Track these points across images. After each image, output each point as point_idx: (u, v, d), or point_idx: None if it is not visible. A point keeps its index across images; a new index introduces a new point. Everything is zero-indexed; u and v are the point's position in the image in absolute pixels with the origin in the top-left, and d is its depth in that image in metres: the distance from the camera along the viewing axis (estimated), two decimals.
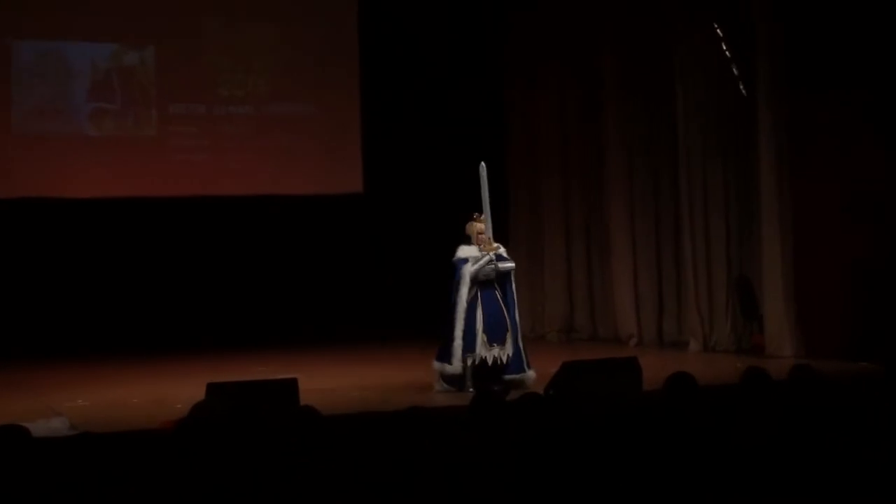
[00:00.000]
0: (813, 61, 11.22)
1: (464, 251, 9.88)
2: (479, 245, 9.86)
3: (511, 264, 9.99)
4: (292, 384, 8.31)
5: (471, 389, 9.27)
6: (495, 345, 9.71)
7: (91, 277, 13.56)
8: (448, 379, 9.66)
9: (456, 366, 9.60)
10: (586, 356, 10.32)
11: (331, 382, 10.42)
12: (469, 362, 9.61)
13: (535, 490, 4.40)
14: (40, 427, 7.78)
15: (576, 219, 14.46)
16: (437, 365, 9.74)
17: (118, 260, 13.68)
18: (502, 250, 9.99)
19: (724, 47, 12.16)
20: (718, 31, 12.21)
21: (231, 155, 14.21)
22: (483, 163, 9.99)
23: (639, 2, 13.24)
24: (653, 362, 9.98)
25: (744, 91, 12.07)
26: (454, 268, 9.87)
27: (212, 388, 8.01)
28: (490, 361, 9.65)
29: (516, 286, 10.11)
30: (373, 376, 11.01)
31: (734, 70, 12.15)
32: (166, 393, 9.90)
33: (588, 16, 13.87)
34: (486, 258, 9.83)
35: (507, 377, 9.66)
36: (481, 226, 9.92)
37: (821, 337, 11.19)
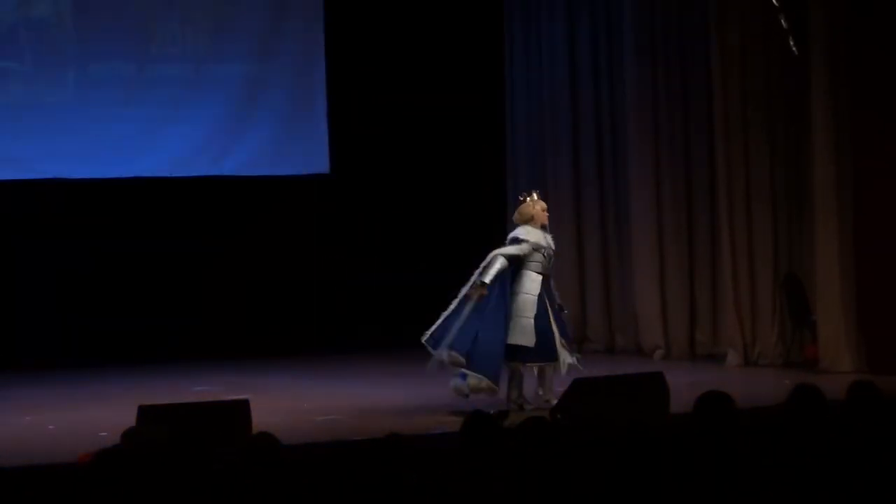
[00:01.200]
0: (882, 11, 11.25)
1: (530, 234, 10.04)
2: (543, 225, 10.12)
3: None
4: (243, 406, 8.38)
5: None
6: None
7: None
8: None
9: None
10: (601, 372, 10.41)
11: (290, 404, 10.48)
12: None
13: None
14: None
15: (588, 205, 14.49)
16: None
17: (25, 255, 13.66)
18: None
19: None
20: None
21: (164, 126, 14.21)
22: None
23: None
24: (683, 379, 10.09)
25: (794, 49, 12.10)
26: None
27: (144, 412, 8.08)
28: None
29: None
30: (343, 396, 11.08)
31: (783, 21, 12.17)
32: (88, 418, 9.94)
33: None
34: None
35: None
36: (544, 203, 10.25)
37: (887, 348, 11.22)
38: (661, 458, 4.86)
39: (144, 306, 13.95)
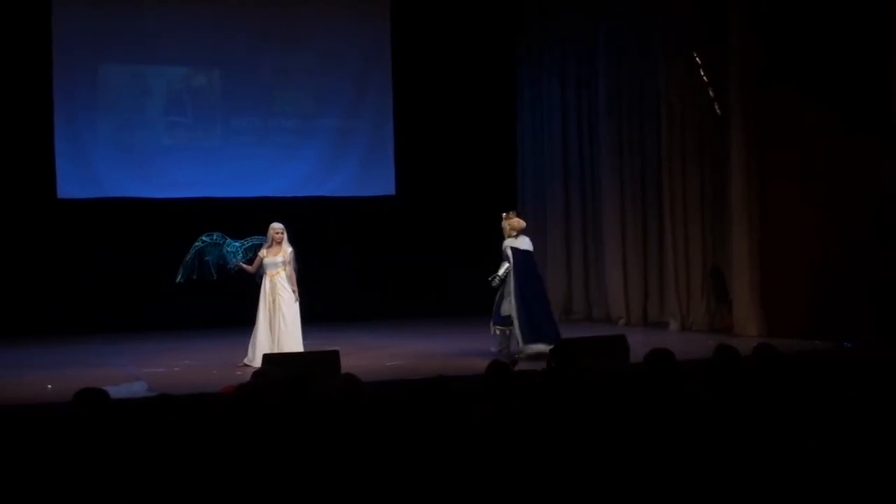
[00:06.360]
0: (779, 86, 11.20)
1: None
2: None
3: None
4: (334, 355, 8.39)
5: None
6: None
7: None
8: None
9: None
10: (582, 334, 10.37)
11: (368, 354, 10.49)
12: None
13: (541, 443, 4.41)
14: (121, 390, 7.80)
15: (573, 216, 14.44)
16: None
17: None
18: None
19: (703, 73, 12.13)
20: (697, 59, 12.17)
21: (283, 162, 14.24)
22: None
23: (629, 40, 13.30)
24: (638, 339, 10.04)
25: (718, 110, 12.03)
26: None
27: (267, 359, 8.12)
28: None
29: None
30: (403, 348, 11.07)
31: (710, 91, 12.12)
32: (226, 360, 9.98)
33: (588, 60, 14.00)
34: None
35: None
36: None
37: (781, 319, 11.15)
38: (623, 394, 4.83)
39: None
